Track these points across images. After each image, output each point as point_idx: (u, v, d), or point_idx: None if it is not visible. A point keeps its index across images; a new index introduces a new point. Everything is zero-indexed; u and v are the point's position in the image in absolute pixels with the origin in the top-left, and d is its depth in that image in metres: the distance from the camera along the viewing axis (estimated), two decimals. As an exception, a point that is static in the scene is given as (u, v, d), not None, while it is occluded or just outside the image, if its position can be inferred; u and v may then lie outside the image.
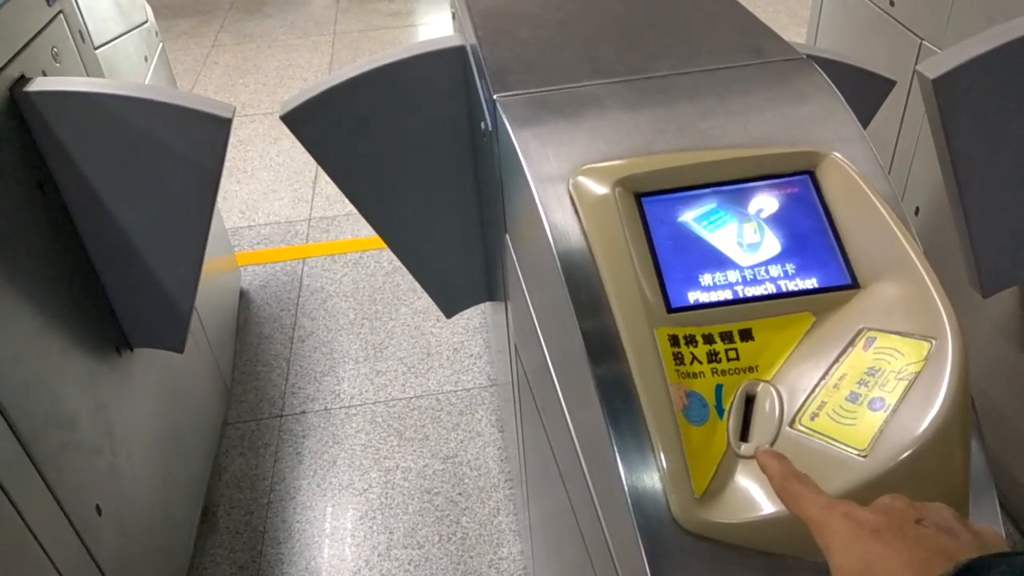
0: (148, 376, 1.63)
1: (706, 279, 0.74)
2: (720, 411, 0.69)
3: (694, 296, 0.73)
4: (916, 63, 1.77)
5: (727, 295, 0.73)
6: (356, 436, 2.11)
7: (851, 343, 0.68)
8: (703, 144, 0.84)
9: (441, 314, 1.69)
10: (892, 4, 1.88)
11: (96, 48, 1.62)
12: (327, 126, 1.29)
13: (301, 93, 1.25)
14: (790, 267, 0.74)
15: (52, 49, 1.39)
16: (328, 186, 3.10)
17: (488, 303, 1.73)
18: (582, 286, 0.74)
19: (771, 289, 0.73)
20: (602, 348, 0.71)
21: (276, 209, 3.03)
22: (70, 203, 1.36)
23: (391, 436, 2.10)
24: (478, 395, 2.21)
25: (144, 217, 1.38)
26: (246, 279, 2.68)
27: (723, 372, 0.70)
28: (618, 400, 0.69)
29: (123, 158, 1.31)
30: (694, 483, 0.64)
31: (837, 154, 0.79)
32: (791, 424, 0.66)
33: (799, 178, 0.79)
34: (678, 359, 0.70)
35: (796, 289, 0.73)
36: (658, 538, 0.65)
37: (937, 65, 1.08)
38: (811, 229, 0.76)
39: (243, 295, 2.61)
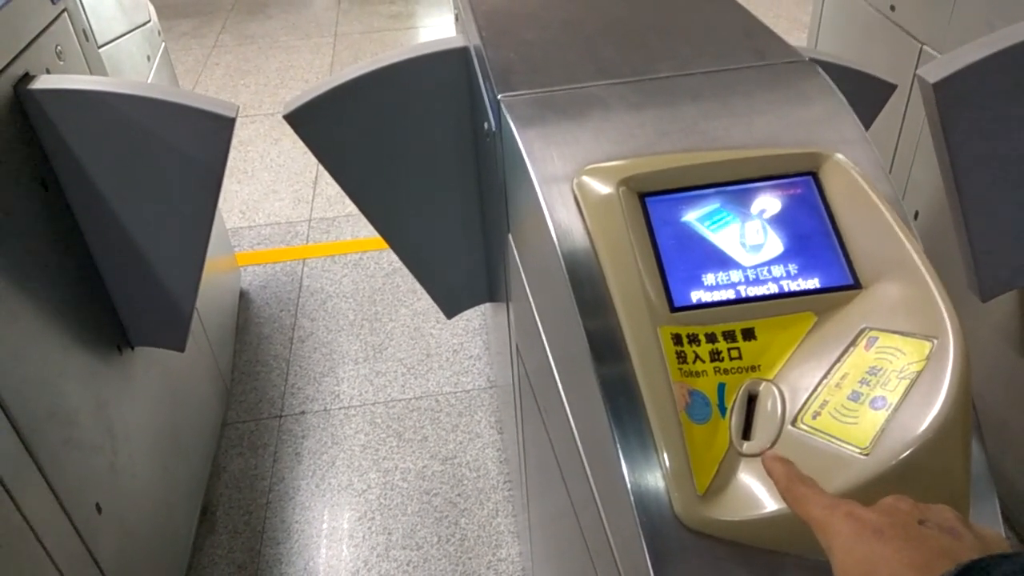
0: (149, 375, 1.64)
1: (709, 279, 0.74)
2: (723, 410, 0.69)
3: (697, 295, 0.73)
4: (916, 67, 1.78)
5: (730, 295, 0.74)
6: (355, 437, 2.11)
7: (853, 343, 0.68)
8: (706, 145, 0.85)
9: (441, 315, 1.69)
10: (893, 8, 1.88)
11: (99, 47, 1.63)
12: (330, 126, 1.29)
13: (305, 92, 1.25)
14: (792, 267, 0.75)
15: (56, 47, 1.40)
16: (328, 187, 3.10)
17: (488, 304, 1.73)
18: (586, 285, 0.74)
19: (773, 289, 0.74)
20: (605, 347, 0.71)
21: (276, 210, 3.03)
22: (73, 201, 1.36)
23: (390, 437, 2.11)
24: (477, 396, 2.21)
25: (146, 215, 1.38)
26: (246, 279, 2.69)
27: (726, 371, 0.71)
28: (621, 398, 0.69)
29: (126, 156, 1.31)
30: (697, 481, 0.65)
31: (840, 155, 0.79)
32: (793, 423, 0.66)
33: (802, 179, 0.79)
34: (681, 358, 0.70)
35: (798, 289, 0.74)
36: (661, 536, 0.65)
37: (937, 69, 1.08)
38: (813, 230, 0.76)
39: (243, 295, 2.61)
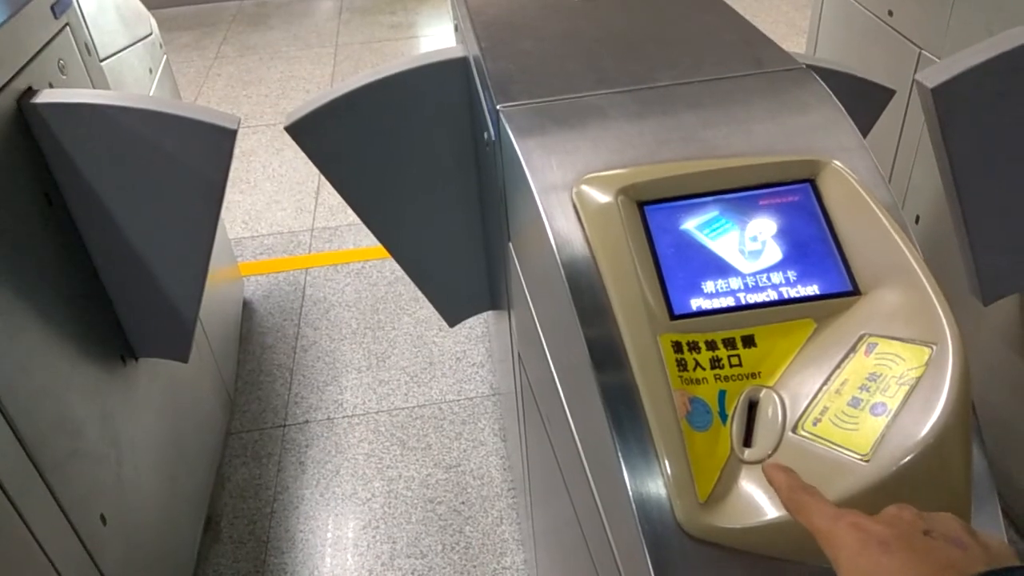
0: (153, 385, 1.64)
1: (708, 286, 0.75)
2: (723, 417, 0.69)
3: (697, 303, 0.74)
4: (915, 72, 1.79)
5: (729, 302, 0.74)
6: (359, 445, 2.11)
7: (852, 349, 0.68)
8: (705, 153, 0.85)
9: (443, 323, 1.70)
10: (891, 14, 1.89)
11: (101, 60, 1.64)
12: (331, 137, 1.30)
13: (306, 104, 1.26)
14: (792, 274, 0.75)
15: (58, 61, 1.41)
16: (330, 197, 3.11)
17: (491, 312, 1.73)
18: (586, 294, 0.75)
19: (773, 296, 0.74)
20: (606, 355, 0.72)
21: (279, 220, 3.04)
22: (76, 213, 1.37)
23: (394, 445, 2.11)
24: (480, 404, 2.21)
25: (149, 227, 1.39)
26: (249, 289, 2.69)
27: (726, 378, 0.71)
28: (622, 406, 0.69)
29: (128, 169, 1.32)
30: (698, 489, 0.65)
31: (837, 162, 0.79)
32: (794, 429, 0.67)
33: (800, 186, 0.80)
34: (681, 365, 0.70)
35: (798, 296, 0.74)
36: (663, 544, 0.65)
37: (936, 74, 1.09)
38: (812, 237, 0.77)
39: (246, 305, 2.62)
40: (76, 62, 1.49)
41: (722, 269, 0.75)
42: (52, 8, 1.41)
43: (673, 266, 0.75)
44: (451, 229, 1.49)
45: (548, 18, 1.24)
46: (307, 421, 2.19)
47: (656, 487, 0.66)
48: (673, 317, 0.73)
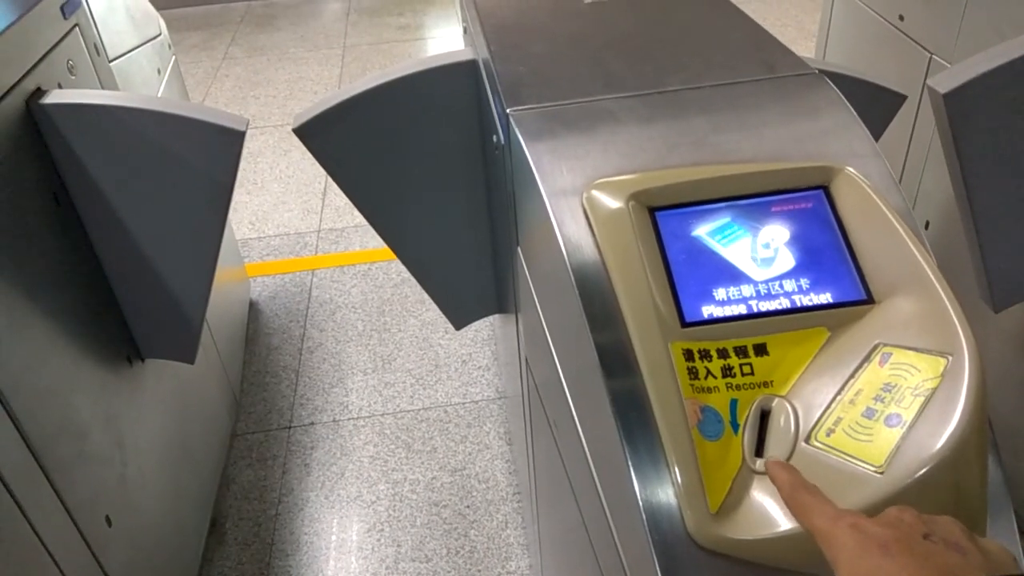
0: (159, 387, 1.64)
1: (720, 293, 0.74)
2: (735, 426, 0.68)
3: (708, 310, 0.73)
4: (926, 77, 1.78)
5: (741, 310, 0.73)
6: (364, 448, 2.11)
7: (867, 359, 0.68)
8: (717, 158, 0.85)
9: (449, 326, 1.69)
10: (901, 18, 1.88)
11: (111, 61, 1.64)
12: (339, 139, 1.29)
13: (314, 106, 1.26)
14: (805, 282, 0.74)
15: (68, 62, 1.41)
16: (337, 198, 3.11)
17: (497, 315, 1.73)
18: (595, 300, 0.74)
19: (786, 304, 0.73)
20: (616, 362, 0.71)
21: (286, 221, 3.04)
22: (83, 214, 1.36)
23: (399, 448, 2.10)
24: (486, 407, 2.20)
25: (157, 228, 1.39)
26: (255, 290, 2.69)
27: (738, 387, 0.70)
28: (632, 414, 0.69)
29: (137, 170, 1.32)
30: (709, 499, 0.64)
31: (851, 169, 0.79)
32: (807, 440, 0.66)
33: (813, 193, 0.79)
34: (692, 374, 0.70)
35: (811, 304, 0.73)
36: (673, 554, 0.64)
37: (948, 79, 1.08)
38: (825, 244, 0.76)
39: (252, 306, 2.62)
40: (85, 63, 1.49)
41: (734, 276, 0.75)
42: (62, 8, 1.41)
43: (684, 273, 0.75)
44: (458, 232, 1.48)
45: (558, 21, 1.23)
46: (312, 423, 2.19)
47: (666, 496, 0.65)
48: (684, 324, 0.72)
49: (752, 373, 0.70)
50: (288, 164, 3.39)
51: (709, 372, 0.70)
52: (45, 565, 1.16)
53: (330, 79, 4.09)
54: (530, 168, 0.87)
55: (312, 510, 1.95)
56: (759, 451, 0.67)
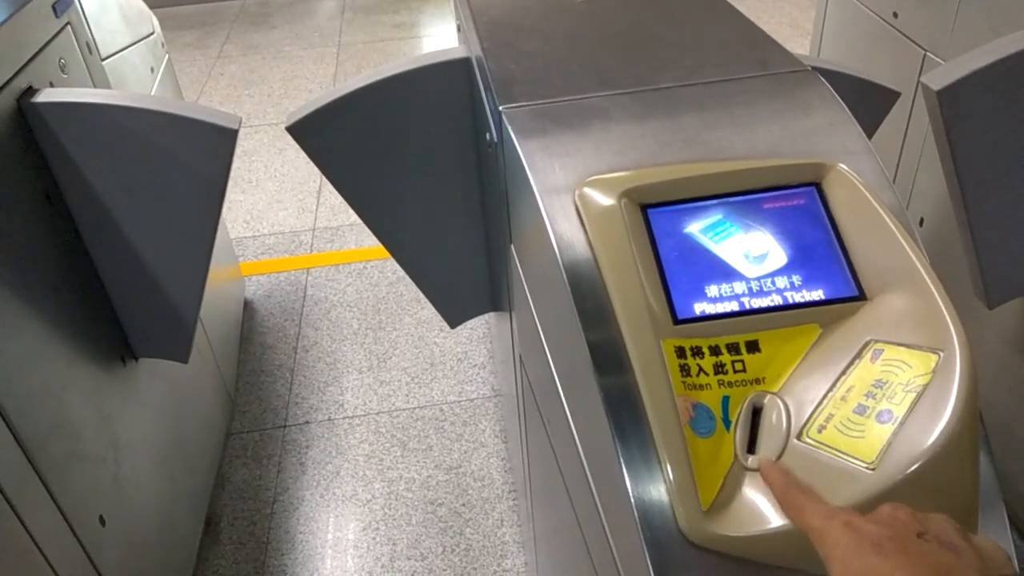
0: (152, 386, 1.64)
1: (712, 290, 0.74)
2: (727, 423, 0.68)
3: (700, 307, 0.73)
4: (920, 74, 1.78)
5: (733, 307, 0.73)
6: (359, 447, 2.11)
7: (858, 355, 0.68)
8: (709, 156, 0.85)
9: (445, 324, 1.69)
10: (895, 15, 1.88)
11: (103, 59, 1.63)
12: (332, 137, 1.29)
13: (307, 104, 1.25)
14: (797, 279, 0.74)
15: (59, 60, 1.40)
16: (332, 197, 3.11)
17: (492, 313, 1.73)
18: (588, 297, 0.74)
19: (777, 301, 0.73)
20: (608, 359, 0.71)
21: (280, 219, 3.04)
22: (76, 213, 1.36)
23: (394, 447, 2.10)
24: (482, 405, 2.20)
25: (150, 227, 1.38)
26: (250, 289, 2.69)
27: (730, 384, 0.70)
28: (624, 412, 0.69)
29: (129, 168, 1.31)
30: (701, 496, 0.64)
31: (843, 166, 0.79)
32: (799, 436, 0.66)
33: (805, 190, 0.79)
34: (684, 371, 0.70)
35: (803, 301, 0.73)
36: (665, 551, 0.64)
37: (942, 76, 1.08)
38: (817, 241, 0.76)
39: (247, 305, 2.61)
40: (77, 61, 1.48)
41: (726, 273, 0.75)
42: (53, 7, 1.41)
43: (676, 270, 0.74)
44: (452, 230, 1.48)
45: (551, 19, 1.23)
46: (307, 422, 2.19)
47: (658, 493, 0.65)
48: (676, 322, 0.72)
49: (744, 370, 0.70)
50: (283, 163, 3.38)
51: (701, 369, 0.70)
52: (38, 565, 1.16)
53: (325, 77, 4.09)
54: (522, 165, 0.86)
55: (307, 509, 1.95)
56: (751, 448, 0.67)
